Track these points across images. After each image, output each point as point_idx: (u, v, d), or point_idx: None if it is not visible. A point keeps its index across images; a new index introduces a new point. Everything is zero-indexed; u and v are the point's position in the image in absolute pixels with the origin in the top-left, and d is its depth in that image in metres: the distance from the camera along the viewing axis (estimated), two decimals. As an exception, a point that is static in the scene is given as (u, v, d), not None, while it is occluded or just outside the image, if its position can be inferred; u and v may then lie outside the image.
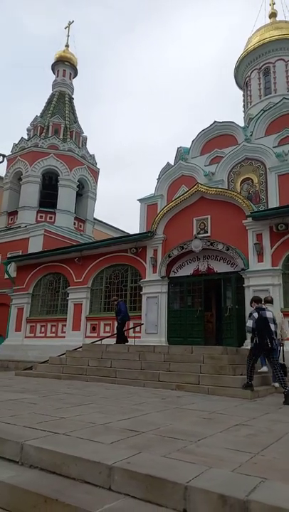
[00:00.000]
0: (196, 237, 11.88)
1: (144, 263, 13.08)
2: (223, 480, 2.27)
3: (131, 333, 12.30)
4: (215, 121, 17.28)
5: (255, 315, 6.86)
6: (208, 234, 11.89)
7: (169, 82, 68.60)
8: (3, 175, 22.31)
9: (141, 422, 3.90)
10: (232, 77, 23.05)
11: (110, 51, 66.71)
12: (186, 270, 12.39)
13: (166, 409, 4.88)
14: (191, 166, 16.88)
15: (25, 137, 21.83)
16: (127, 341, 11.27)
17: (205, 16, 62.72)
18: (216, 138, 17.28)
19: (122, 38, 67.70)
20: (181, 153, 18.01)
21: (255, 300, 7.35)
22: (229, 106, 59.99)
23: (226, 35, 62.20)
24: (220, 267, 11.64)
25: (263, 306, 7.20)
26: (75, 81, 24.80)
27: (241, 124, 18.19)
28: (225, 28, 61.46)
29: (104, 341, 11.80)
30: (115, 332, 12.48)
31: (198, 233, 12.03)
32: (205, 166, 16.72)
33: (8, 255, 17.40)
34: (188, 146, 17.97)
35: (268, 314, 6.87)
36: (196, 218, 12.30)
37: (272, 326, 6.75)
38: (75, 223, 20.78)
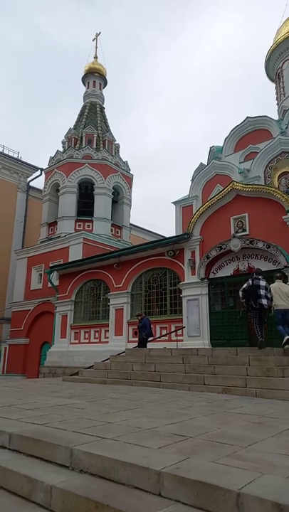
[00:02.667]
0: (234, 237, 11.64)
1: (182, 265, 13.00)
2: (276, 487, 2.17)
3: (173, 336, 12.24)
4: (247, 117, 16.88)
5: (249, 282, 8.84)
6: (247, 232, 11.60)
7: (197, 81, 68.17)
8: (42, 188, 23.17)
9: (188, 426, 3.85)
10: (262, 71, 22.43)
11: (137, 53, 67.47)
12: (226, 271, 12.15)
13: (214, 413, 4.78)
14: (225, 164, 16.60)
15: (61, 150, 22.53)
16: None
17: (230, 11, 61.77)
18: (250, 134, 16.86)
19: (150, 40, 68.23)
20: (214, 153, 17.76)
21: (256, 272, 9.21)
22: (260, 99, 58.48)
23: (252, 29, 60.83)
24: (261, 266, 11.29)
25: (259, 277, 8.88)
26: (105, 90, 25.31)
27: (275, 117, 17.62)
28: (251, 22, 60.14)
29: (147, 346, 11.81)
30: (157, 336, 12.49)
31: (237, 232, 11.77)
32: (240, 163, 16.37)
33: (51, 264, 17.99)
34: (221, 145, 17.68)
35: (261, 283, 8.70)
36: (233, 217, 12.06)
37: (262, 291, 8.55)
38: (112, 230, 21.09)
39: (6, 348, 19.98)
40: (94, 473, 2.78)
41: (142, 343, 11.54)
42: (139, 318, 12.15)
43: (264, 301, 8.54)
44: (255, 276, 9.00)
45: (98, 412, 4.68)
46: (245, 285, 8.95)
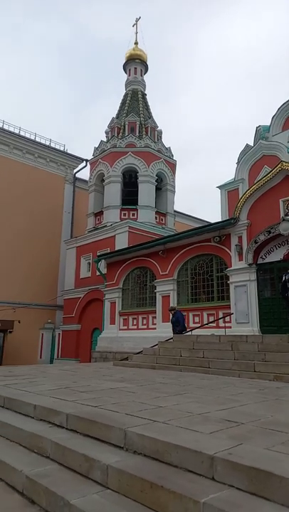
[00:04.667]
0: (283, 220, 11.16)
1: (228, 251, 12.74)
2: None
3: (221, 323, 12.11)
4: (297, 92, 15.88)
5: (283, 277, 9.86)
6: (298, 215, 11.06)
7: (243, 62, 65.19)
8: (87, 179, 23.66)
9: (239, 412, 3.82)
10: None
11: (177, 35, 65.77)
12: (276, 255, 11.73)
13: (265, 400, 4.70)
14: (273, 144, 15.81)
15: (105, 140, 22.77)
16: None
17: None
18: (299, 110, 15.89)
19: (191, 21, 66.15)
20: (261, 133, 16.97)
21: None
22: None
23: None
24: (314, 250, 10.77)
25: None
26: (146, 76, 25.04)
27: None
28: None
29: (194, 332, 11.81)
30: (205, 322, 12.44)
31: (286, 215, 11.27)
32: (288, 142, 15.52)
33: (98, 253, 18.46)
34: (268, 124, 16.85)
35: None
36: (282, 199, 11.55)
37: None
38: (156, 217, 21.10)
39: (59, 333, 20.98)
40: (147, 454, 2.87)
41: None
42: (172, 312, 12.25)
43: None
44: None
45: (149, 396, 4.80)
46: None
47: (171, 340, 11.16)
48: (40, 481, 2.82)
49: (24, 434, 3.69)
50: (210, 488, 2.30)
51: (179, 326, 11.70)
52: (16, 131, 23.55)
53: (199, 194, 62.07)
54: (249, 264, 11.98)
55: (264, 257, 12.03)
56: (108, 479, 2.70)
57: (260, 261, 12.07)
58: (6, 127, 23.05)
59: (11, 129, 23.32)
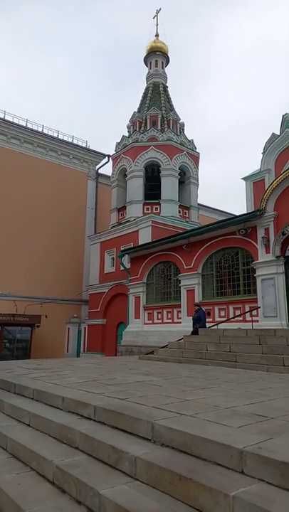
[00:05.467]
0: (312, 210, 10.80)
1: (255, 244, 12.48)
2: None
3: (247, 316, 11.93)
4: None
5: None
6: None
7: (267, 54, 63.36)
8: (110, 174, 23.77)
9: (268, 407, 3.75)
10: None
11: (198, 25, 64.59)
12: (304, 247, 11.38)
13: (295, 395, 4.58)
14: (300, 132, 15.33)
15: (126, 135, 22.76)
16: None
17: None
18: None
19: (213, 13, 64.80)
20: (287, 121, 16.47)
21: None
22: None
23: None
24: None
25: None
26: (167, 68, 24.76)
27: None
28: None
29: (220, 326, 11.69)
30: (231, 316, 12.30)
31: (315, 205, 10.90)
32: (316, 129, 14.99)
33: (122, 248, 18.53)
34: (295, 112, 16.32)
35: None
36: (310, 189, 11.17)
37: None
38: (179, 211, 20.95)
39: (85, 328, 21.31)
40: (175, 447, 2.86)
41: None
42: (196, 308, 12.17)
43: None
44: None
45: (175, 390, 4.78)
46: None
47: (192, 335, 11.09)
48: (70, 471, 2.87)
49: (54, 425, 3.77)
50: (240, 482, 2.26)
51: (199, 323, 11.64)
52: (40, 129, 23.93)
53: (224, 187, 61.13)
54: (277, 257, 11.70)
55: (292, 249, 11.71)
56: (137, 471, 2.71)
57: (288, 253, 11.76)
58: (29, 126, 23.46)
59: (35, 128, 23.72)
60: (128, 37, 66.78)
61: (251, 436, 2.69)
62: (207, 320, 13.39)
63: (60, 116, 58.69)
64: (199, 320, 11.74)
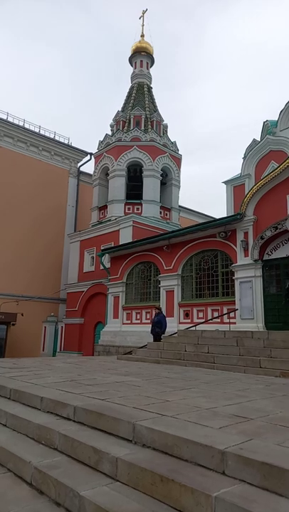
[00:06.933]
0: (291, 216, 11.06)
1: (234, 247, 12.68)
2: None
3: (225, 318, 12.09)
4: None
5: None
6: (305, 211, 10.97)
7: (251, 60, 64.53)
8: (92, 172, 23.56)
9: (248, 408, 3.80)
10: None
11: (187, 29, 65.11)
12: (282, 251, 11.66)
13: (273, 396, 4.68)
14: (281, 139, 15.65)
15: (109, 133, 22.64)
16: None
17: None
18: (308, 105, 15.70)
19: (201, 14, 65.44)
20: (268, 128, 16.80)
21: None
22: None
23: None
24: None
25: None
26: (152, 69, 24.80)
27: None
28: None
29: (198, 327, 11.80)
30: (210, 318, 12.42)
31: (294, 211, 11.17)
32: (296, 137, 15.36)
33: (102, 247, 18.41)
34: (276, 119, 16.67)
35: None
36: (289, 195, 11.44)
37: None
38: (161, 212, 21.01)
39: (62, 327, 21.03)
40: (157, 448, 2.86)
41: (156, 338, 11.57)
42: (157, 312, 12.26)
43: None
44: None
45: (155, 390, 4.78)
46: None
47: (175, 335, 11.15)
48: (49, 472, 2.82)
49: (32, 425, 3.70)
50: (221, 483, 2.28)
51: (161, 328, 11.69)
52: (21, 123, 23.46)
53: (206, 189, 61.81)
54: (255, 260, 11.92)
55: (270, 253, 11.96)
56: (118, 472, 2.69)
57: (266, 257, 12.00)
58: (10, 119, 22.96)
59: (16, 122, 23.23)
60: (121, 32, 66.54)
61: (232, 437, 2.72)
62: (185, 321, 13.52)
63: (45, 113, 57.79)
64: (160, 324, 11.80)
